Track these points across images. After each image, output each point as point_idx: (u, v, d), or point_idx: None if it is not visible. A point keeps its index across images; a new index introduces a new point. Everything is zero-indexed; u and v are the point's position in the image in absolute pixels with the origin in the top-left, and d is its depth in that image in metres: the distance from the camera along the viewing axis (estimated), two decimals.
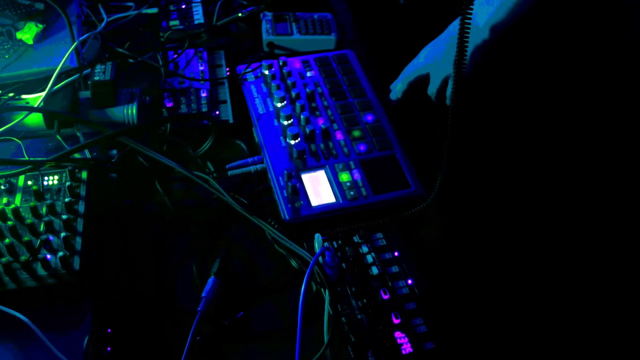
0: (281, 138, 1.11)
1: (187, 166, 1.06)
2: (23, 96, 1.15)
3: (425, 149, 1.14)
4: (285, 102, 1.17)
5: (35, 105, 1.12)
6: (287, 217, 0.99)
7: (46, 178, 1.00)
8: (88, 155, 1.06)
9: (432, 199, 0.95)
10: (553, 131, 1.09)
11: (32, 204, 0.95)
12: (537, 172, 1.07)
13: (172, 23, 1.36)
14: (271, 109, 1.16)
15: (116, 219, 1.03)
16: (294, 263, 0.96)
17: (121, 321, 0.89)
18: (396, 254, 0.93)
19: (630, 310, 0.96)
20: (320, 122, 1.13)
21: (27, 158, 1.04)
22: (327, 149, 1.09)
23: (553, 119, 1.08)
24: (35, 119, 1.12)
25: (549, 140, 1.09)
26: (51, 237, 0.91)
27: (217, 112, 1.18)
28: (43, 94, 1.12)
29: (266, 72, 1.22)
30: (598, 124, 1.08)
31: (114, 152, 1.09)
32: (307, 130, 1.10)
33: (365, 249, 0.96)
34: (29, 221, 0.92)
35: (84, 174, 1.01)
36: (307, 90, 1.18)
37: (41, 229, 0.92)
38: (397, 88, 1.20)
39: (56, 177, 1.00)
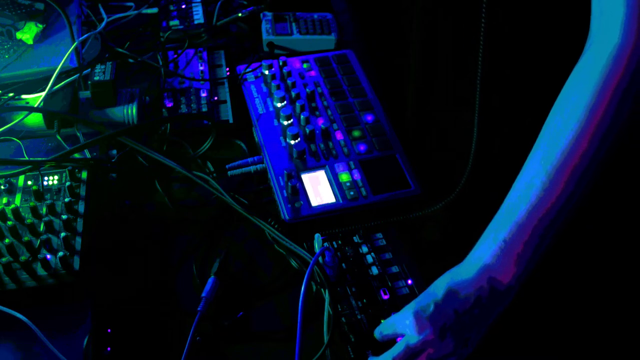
0: (281, 138, 1.11)
1: (187, 166, 1.06)
2: (23, 96, 1.15)
3: (426, 149, 1.14)
4: (285, 102, 1.17)
5: (35, 105, 1.12)
6: (287, 217, 0.99)
7: (46, 178, 1.00)
8: (88, 155, 1.06)
9: (446, 202, 0.95)
10: None
11: (32, 204, 0.95)
12: None
13: (172, 23, 1.36)
14: (271, 109, 1.16)
15: (116, 219, 1.03)
16: (293, 263, 0.96)
17: (121, 321, 0.89)
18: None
19: (631, 311, 0.96)
20: (320, 122, 1.13)
21: (27, 158, 1.04)
22: (327, 149, 1.09)
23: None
24: (35, 119, 1.12)
25: None
26: (51, 237, 0.91)
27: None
28: (43, 94, 1.12)
29: (266, 72, 1.22)
30: None
31: (114, 152, 1.09)
32: (307, 130, 1.10)
33: (365, 249, 0.96)
34: (28, 221, 0.92)
35: (84, 174, 1.01)
36: (307, 90, 1.18)
37: (41, 229, 0.92)
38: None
39: (56, 177, 1.00)
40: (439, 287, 0.78)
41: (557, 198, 0.75)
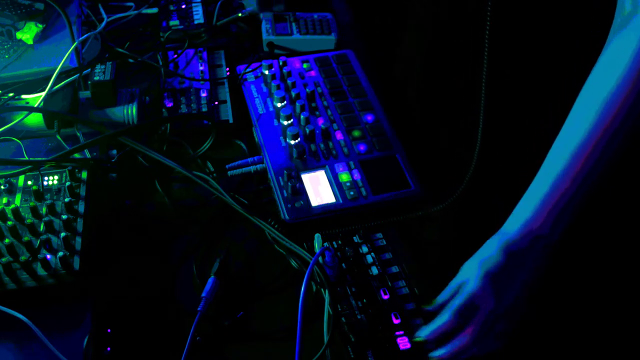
0: (281, 138, 1.11)
1: (187, 166, 1.06)
2: (23, 96, 1.15)
3: (427, 149, 1.14)
4: (285, 102, 1.17)
5: (35, 105, 1.12)
6: (287, 217, 0.99)
7: (46, 178, 1.00)
8: (88, 155, 1.06)
9: (450, 203, 0.96)
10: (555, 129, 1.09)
11: (32, 204, 0.95)
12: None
13: (172, 23, 1.36)
14: (271, 109, 1.16)
15: (116, 219, 1.03)
16: (293, 263, 0.96)
17: (121, 321, 0.89)
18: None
19: (632, 313, 0.96)
20: (320, 122, 1.13)
21: (27, 158, 1.04)
22: (327, 149, 1.09)
23: (554, 116, 1.08)
24: (35, 119, 1.12)
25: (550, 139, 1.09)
26: (51, 237, 0.91)
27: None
28: (43, 94, 1.12)
29: (266, 72, 1.22)
30: None
31: (114, 152, 1.09)
32: (307, 130, 1.10)
33: (365, 249, 0.96)
34: (28, 221, 0.92)
35: (84, 174, 1.00)
36: (307, 90, 1.18)
37: (41, 229, 0.92)
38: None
39: (56, 177, 1.00)
40: (492, 247, 0.82)
41: (589, 156, 0.78)
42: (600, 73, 0.81)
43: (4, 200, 0.97)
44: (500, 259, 0.80)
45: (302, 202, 1.01)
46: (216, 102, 1.20)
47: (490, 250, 0.81)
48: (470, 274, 0.80)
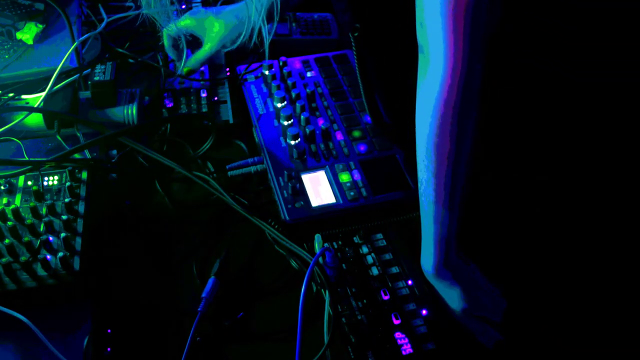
0: (281, 138, 1.11)
1: (187, 166, 1.06)
2: (23, 96, 1.15)
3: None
4: (285, 102, 1.17)
5: (35, 106, 1.12)
6: (287, 217, 0.99)
7: (46, 178, 1.00)
8: (88, 155, 1.06)
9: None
10: (553, 131, 1.09)
11: (32, 204, 0.95)
12: (537, 173, 1.07)
13: None
14: (271, 109, 1.16)
15: (116, 219, 1.03)
16: (294, 263, 0.96)
17: (121, 322, 0.89)
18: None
19: (631, 311, 0.96)
20: (321, 122, 1.13)
21: (27, 158, 1.04)
22: (327, 149, 1.09)
23: (552, 118, 1.08)
24: (35, 119, 1.12)
25: (549, 140, 1.09)
26: (51, 238, 0.91)
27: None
28: (43, 94, 1.12)
29: (266, 72, 1.22)
30: (593, 124, 1.08)
31: (114, 152, 1.09)
32: (307, 131, 1.10)
33: (365, 249, 0.96)
34: (29, 221, 0.92)
35: (84, 175, 1.01)
36: (307, 90, 1.18)
37: (41, 229, 0.92)
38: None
39: (56, 177, 1.00)
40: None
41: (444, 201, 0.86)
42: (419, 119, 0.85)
43: (4, 200, 0.97)
44: (441, 292, 0.90)
45: (302, 203, 1.01)
46: (215, 98, 1.20)
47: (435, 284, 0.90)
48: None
